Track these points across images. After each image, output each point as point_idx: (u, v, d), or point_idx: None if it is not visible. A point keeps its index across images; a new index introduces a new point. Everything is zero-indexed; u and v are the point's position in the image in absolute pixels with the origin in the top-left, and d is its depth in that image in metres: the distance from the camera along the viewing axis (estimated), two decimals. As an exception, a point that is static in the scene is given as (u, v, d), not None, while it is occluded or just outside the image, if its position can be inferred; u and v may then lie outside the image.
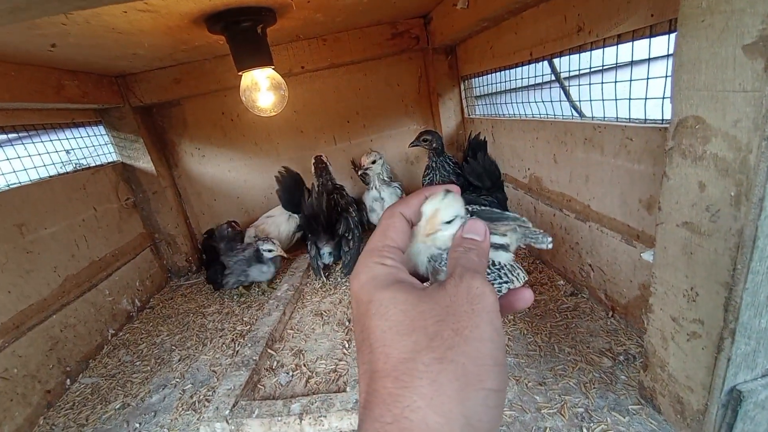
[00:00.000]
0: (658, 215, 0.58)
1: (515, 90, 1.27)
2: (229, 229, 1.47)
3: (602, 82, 0.81)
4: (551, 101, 1.04)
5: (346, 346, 1.03)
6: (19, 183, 1.14)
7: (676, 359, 0.61)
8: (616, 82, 0.77)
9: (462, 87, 1.63)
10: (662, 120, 0.69)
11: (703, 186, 0.49)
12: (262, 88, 1.04)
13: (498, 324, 0.24)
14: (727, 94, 0.44)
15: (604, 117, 0.85)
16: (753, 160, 0.43)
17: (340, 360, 0.98)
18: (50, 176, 1.25)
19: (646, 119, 0.73)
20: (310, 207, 1.35)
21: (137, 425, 0.90)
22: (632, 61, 0.71)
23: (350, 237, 1.37)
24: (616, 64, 0.76)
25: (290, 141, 1.78)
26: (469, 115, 1.64)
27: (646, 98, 0.71)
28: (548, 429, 0.70)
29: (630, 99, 0.74)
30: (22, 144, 1.25)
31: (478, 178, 1.42)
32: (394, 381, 0.22)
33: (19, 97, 1.01)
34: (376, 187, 1.59)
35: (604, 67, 0.80)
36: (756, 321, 0.50)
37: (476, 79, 1.53)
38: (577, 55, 0.87)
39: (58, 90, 1.17)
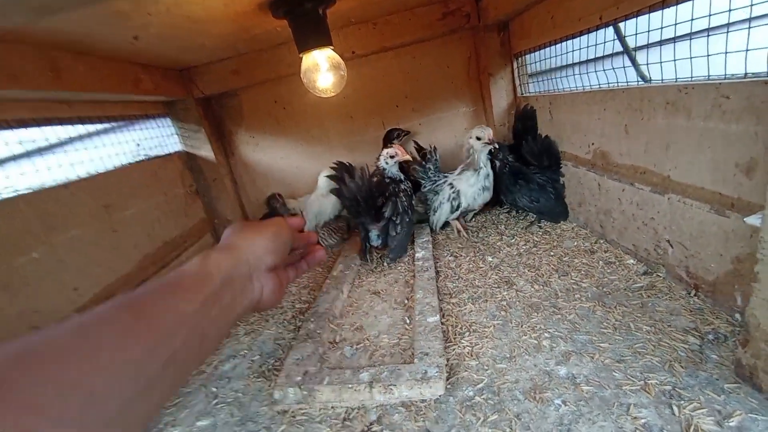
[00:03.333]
0: (770, 172, 0.52)
1: (574, 65, 1.20)
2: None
3: (690, 37, 0.74)
4: (613, 68, 0.98)
5: (407, 322, 1.04)
6: (105, 169, 1.25)
7: (789, 332, 0.55)
8: (708, 34, 0.70)
9: (515, 65, 1.58)
10: (767, 71, 0.63)
11: (836, 132, 0.44)
12: (322, 69, 1.06)
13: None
14: None
15: (691, 77, 0.78)
16: None
17: (402, 335, 0.99)
18: (129, 163, 1.36)
19: (746, 73, 0.66)
20: (348, 190, 1.34)
21: (214, 389, 0.97)
22: (729, 9, 0.65)
23: (398, 221, 1.36)
24: (709, 15, 0.69)
25: (340, 127, 1.81)
26: (522, 93, 1.58)
27: (747, 49, 0.64)
28: (632, 405, 0.66)
29: (726, 53, 0.68)
30: (99, 136, 1.37)
31: (535, 157, 1.38)
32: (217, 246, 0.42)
33: (107, 88, 1.11)
34: (483, 165, 1.38)
35: (693, 23, 0.73)
36: None
37: (531, 55, 1.47)
38: (660, 12, 0.81)
39: (137, 83, 1.27)
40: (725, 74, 0.70)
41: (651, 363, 0.74)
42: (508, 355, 0.84)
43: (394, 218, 1.36)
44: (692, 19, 0.73)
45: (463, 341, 0.91)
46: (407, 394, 0.78)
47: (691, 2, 0.72)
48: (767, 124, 0.63)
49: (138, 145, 1.60)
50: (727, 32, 0.67)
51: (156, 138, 1.56)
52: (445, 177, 1.50)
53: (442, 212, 1.48)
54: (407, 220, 1.39)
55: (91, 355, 0.25)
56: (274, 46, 1.50)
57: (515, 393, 0.74)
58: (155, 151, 1.54)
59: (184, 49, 1.25)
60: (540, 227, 1.41)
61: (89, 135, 1.21)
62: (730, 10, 0.65)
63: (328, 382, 0.83)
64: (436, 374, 0.77)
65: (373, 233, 1.39)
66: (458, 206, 1.44)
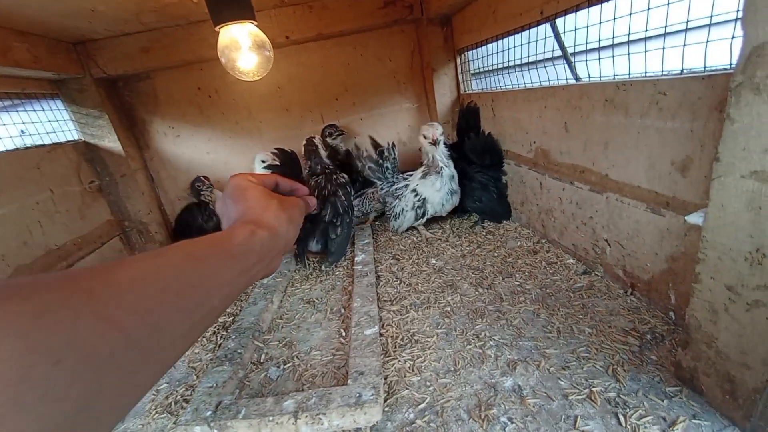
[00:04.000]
0: (715, 168, 0.50)
1: (516, 67, 1.19)
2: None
3: (628, 35, 0.73)
4: (553, 65, 0.96)
5: (343, 334, 0.93)
6: (-43, 158, 0.98)
7: (729, 333, 0.53)
8: (645, 32, 0.69)
9: (458, 61, 1.54)
10: (704, 68, 0.62)
11: (783, 124, 0.41)
12: (243, 47, 0.91)
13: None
14: (827, 3, 0.36)
15: (629, 74, 0.77)
16: None
17: (336, 350, 0.88)
18: (-3, 152, 1.08)
19: (683, 69, 0.65)
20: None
21: (103, 432, 0.78)
22: (668, 3, 0.63)
23: (338, 223, 1.25)
24: (648, 9, 0.68)
25: (274, 119, 1.65)
26: (465, 90, 1.55)
27: (684, 45, 0.63)
28: (579, 417, 0.62)
29: (663, 48, 0.66)
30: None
31: (478, 156, 1.34)
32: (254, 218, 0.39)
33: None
34: (444, 165, 1.29)
35: (631, 19, 0.72)
36: (839, 283, 0.42)
37: (473, 52, 1.44)
38: (598, 6, 0.79)
39: (4, 52, 1.01)
40: (662, 71, 0.69)
41: (595, 368, 0.70)
42: (452, 368, 0.77)
43: (334, 220, 1.25)
44: (630, 14, 0.71)
45: (404, 354, 0.83)
46: (338, 423, 0.67)
47: (629, -5, 0.70)
48: (702, 120, 0.62)
49: (22, 132, 1.31)
50: (665, 30, 0.65)
51: (42, 124, 1.28)
52: (405, 180, 1.38)
53: (405, 219, 1.36)
54: (347, 221, 1.29)
55: (160, 292, 0.25)
56: (192, 23, 1.31)
57: (459, 412, 0.67)
58: (42, 140, 1.27)
59: (70, 14, 1.02)
60: (483, 227, 1.38)
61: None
62: (668, 6, 0.64)
63: (244, 415, 0.69)
64: (371, 397, 0.67)
65: (311, 238, 1.26)
66: (424, 214, 1.34)
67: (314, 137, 1.47)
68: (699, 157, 0.64)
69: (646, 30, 0.69)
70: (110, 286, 0.22)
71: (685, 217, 0.58)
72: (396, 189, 1.37)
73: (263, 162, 1.38)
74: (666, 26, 0.66)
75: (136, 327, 0.23)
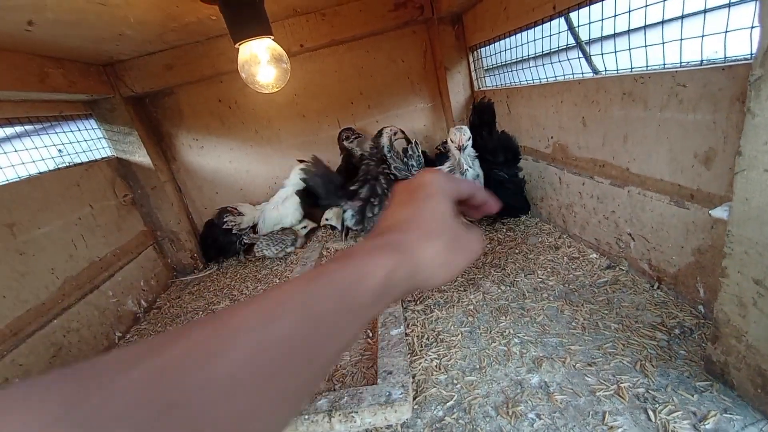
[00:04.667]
0: (738, 162, 0.49)
1: (529, 59, 1.18)
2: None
3: (644, 26, 0.72)
4: (568, 59, 0.95)
5: (370, 335, 0.96)
6: (7, 180, 1.06)
7: (759, 327, 0.53)
8: (662, 22, 0.68)
9: (471, 59, 1.54)
10: (725, 58, 0.61)
11: (807, 117, 0.41)
12: (262, 62, 0.95)
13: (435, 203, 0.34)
14: None
15: (647, 66, 0.76)
16: None
17: (365, 351, 0.91)
18: (40, 173, 1.17)
19: (702, 60, 0.64)
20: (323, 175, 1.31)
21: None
22: (685, -6, 0.63)
23: (376, 203, 1.29)
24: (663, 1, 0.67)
25: (292, 126, 1.70)
26: (479, 87, 1.55)
27: (702, 35, 0.62)
28: (607, 413, 0.62)
29: (681, 39, 0.66)
30: (9, 141, 1.17)
31: (492, 154, 1.34)
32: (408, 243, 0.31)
33: (-1, 84, 0.93)
34: (469, 166, 1.26)
35: (647, 10, 0.71)
36: None
37: (486, 48, 1.43)
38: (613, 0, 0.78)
39: (42, 78, 1.09)
40: (681, 62, 0.68)
41: (622, 364, 0.71)
42: (478, 366, 0.78)
43: (372, 200, 1.29)
44: (646, 5, 0.70)
45: (430, 353, 0.85)
46: (371, 421, 0.70)
47: (645, -13, 0.69)
48: (724, 112, 0.61)
49: (60, 151, 1.40)
50: (682, 19, 0.64)
51: (79, 143, 1.37)
52: None
53: None
54: (385, 203, 1.32)
55: (266, 378, 0.21)
56: (211, 38, 1.36)
57: (487, 409, 0.68)
58: (79, 158, 1.35)
59: (100, 39, 1.08)
60: (503, 224, 1.38)
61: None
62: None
63: (281, 414, 0.73)
64: (401, 396, 0.70)
65: (349, 213, 1.31)
66: None
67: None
68: (722, 149, 0.63)
69: (663, 20, 0.68)
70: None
71: (710, 212, 0.58)
72: None
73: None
74: (683, 15, 0.65)
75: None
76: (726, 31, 0.59)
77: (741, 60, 0.59)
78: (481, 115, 1.39)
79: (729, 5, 0.58)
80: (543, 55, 1.12)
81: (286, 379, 0.22)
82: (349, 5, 1.42)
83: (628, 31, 0.77)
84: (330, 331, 0.24)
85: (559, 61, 1.05)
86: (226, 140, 1.68)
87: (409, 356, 0.84)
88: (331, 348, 0.25)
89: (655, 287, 0.87)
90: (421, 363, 0.82)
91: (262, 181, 1.75)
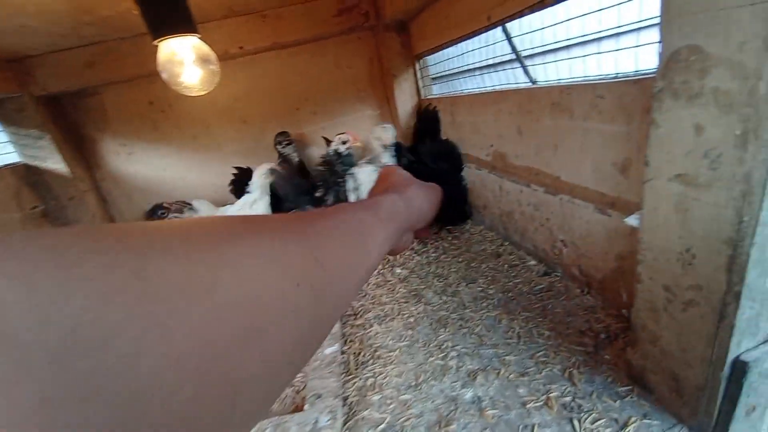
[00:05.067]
0: (645, 172, 0.50)
1: (476, 70, 1.20)
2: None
3: (568, 38, 0.74)
4: (511, 68, 0.97)
5: (305, 354, 0.90)
6: None
7: (670, 332, 0.54)
8: (583, 36, 0.70)
9: (417, 67, 1.54)
10: (635, 72, 0.63)
11: (701, 128, 0.42)
12: (185, 62, 0.88)
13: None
14: (729, 12, 0.37)
15: (572, 78, 0.78)
16: (764, 88, 0.36)
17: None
18: None
19: (617, 73, 0.66)
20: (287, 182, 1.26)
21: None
22: (600, 9, 0.65)
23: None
24: (583, 15, 0.69)
25: (233, 132, 1.61)
26: (425, 95, 1.55)
27: (617, 49, 0.64)
28: (536, 426, 0.61)
29: (599, 53, 0.68)
30: None
31: (433, 160, 1.34)
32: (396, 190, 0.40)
33: None
34: (387, 162, 1.33)
35: (569, 25, 0.73)
36: (762, 280, 0.44)
37: (432, 57, 1.44)
38: (540, 12, 0.80)
39: None
40: (599, 75, 0.71)
41: (552, 372, 0.71)
42: (414, 383, 0.75)
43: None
44: (568, 19, 0.72)
45: (365, 372, 0.81)
46: (295, 453, 0.64)
47: (565, 1, 0.71)
48: (637, 122, 0.63)
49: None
50: (600, 36, 0.66)
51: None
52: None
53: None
54: None
55: (342, 245, 0.26)
56: (138, 35, 1.25)
57: (420, 430, 0.65)
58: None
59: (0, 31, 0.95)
60: (449, 232, 1.38)
61: None
62: (600, 11, 0.65)
63: (195, 451, 0.65)
64: (327, 423, 0.65)
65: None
66: (358, 198, 1.35)
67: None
68: (636, 158, 0.65)
69: (583, 35, 0.70)
70: (316, 234, 0.24)
71: (624, 219, 0.59)
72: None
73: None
74: (600, 31, 0.67)
75: (332, 269, 0.24)
76: (637, 45, 0.61)
77: (651, 74, 0.61)
78: (425, 122, 1.39)
79: (639, 22, 0.60)
80: (487, 66, 1.14)
81: (353, 250, 0.27)
82: (291, 8, 1.38)
83: (553, 43, 0.79)
84: (368, 229, 0.30)
85: (504, 70, 1.07)
86: (160, 146, 1.56)
87: (343, 376, 0.79)
88: (369, 243, 0.30)
89: (585, 293, 0.89)
90: (355, 383, 0.78)
91: (200, 190, 1.63)
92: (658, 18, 0.51)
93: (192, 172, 1.60)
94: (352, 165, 1.35)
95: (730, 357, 0.48)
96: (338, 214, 0.29)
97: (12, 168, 1.26)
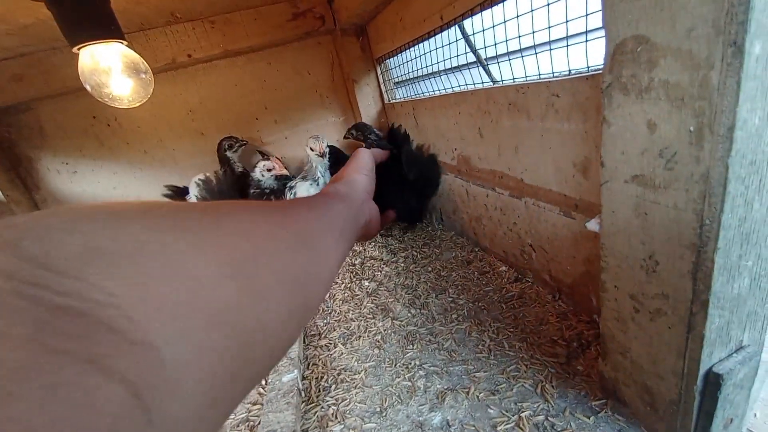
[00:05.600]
0: (601, 173, 0.47)
1: (438, 73, 1.16)
2: None
3: (519, 36, 0.71)
4: (467, 67, 0.94)
5: (262, 383, 0.83)
6: None
7: (639, 343, 0.51)
8: (533, 32, 0.67)
9: (379, 71, 1.50)
10: (588, 68, 0.60)
11: (653, 126, 0.39)
12: (112, 71, 0.79)
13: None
14: (674, -5, 0.33)
15: (526, 77, 0.75)
16: (716, 78, 0.32)
17: (254, 404, 0.78)
18: None
19: (570, 70, 0.63)
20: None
21: None
22: (548, 4, 0.62)
23: None
24: (532, 11, 0.66)
25: (189, 146, 1.51)
26: (389, 99, 1.51)
27: (567, 45, 0.61)
28: (508, 451, 0.56)
29: (551, 49, 0.64)
30: None
31: (409, 168, 1.29)
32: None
33: None
34: (321, 174, 1.32)
35: (519, 21, 0.70)
36: (729, 287, 0.40)
37: (392, 60, 1.40)
38: (490, 9, 0.77)
39: None
40: (552, 72, 0.68)
41: (524, 388, 0.66)
42: (379, 409, 0.69)
43: None
44: (518, 16, 0.69)
45: (328, 398, 0.74)
46: (244, 504, 0.57)
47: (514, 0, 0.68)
48: (592, 121, 0.60)
49: None
50: (548, 30, 0.63)
51: None
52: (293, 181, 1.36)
53: None
54: None
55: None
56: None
57: (383, 464, 0.59)
58: None
59: None
60: (419, 239, 1.33)
61: None
62: (548, 6, 0.62)
63: None
64: (280, 466, 0.58)
65: None
66: None
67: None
68: (595, 158, 0.62)
69: (533, 32, 0.67)
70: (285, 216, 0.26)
71: (585, 224, 0.56)
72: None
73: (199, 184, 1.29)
74: (549, 27, 0.64)
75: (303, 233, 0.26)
76: (586, 41, 0.58)
77: (601, 69, 0.58)
78: (395, 140, 1.36)
79: (587, 15, 0.57)
80: (448, 68, 1.10)
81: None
82: (242, 13, 1.31)
83: (506, 42, 0.76)
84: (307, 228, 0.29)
85: (468, 69, 1.03)
86: (108, 163, 1.45)
87: (303, 405, 0.72)
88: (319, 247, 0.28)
89: (556, 298, 0.85)
90: (316, 412, 0.71)
91: (155, 208, 1.53)
92: (600, 6, 0.48)
93: (146, 188, 1.49)
94: (274, 189, 1.33)
95: (703, 369, 0.44)
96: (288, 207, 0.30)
97: (-68, 195, 1.14)
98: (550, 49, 0.65)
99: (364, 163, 0.49)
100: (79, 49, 0.77)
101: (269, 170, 1.29)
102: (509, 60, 0.77)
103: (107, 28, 0.76)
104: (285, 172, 1.34)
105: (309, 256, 0.25)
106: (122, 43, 0.80)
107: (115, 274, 0.13)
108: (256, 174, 1.31)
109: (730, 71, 0.31)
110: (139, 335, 0.13)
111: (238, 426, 0.73)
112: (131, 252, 0.14)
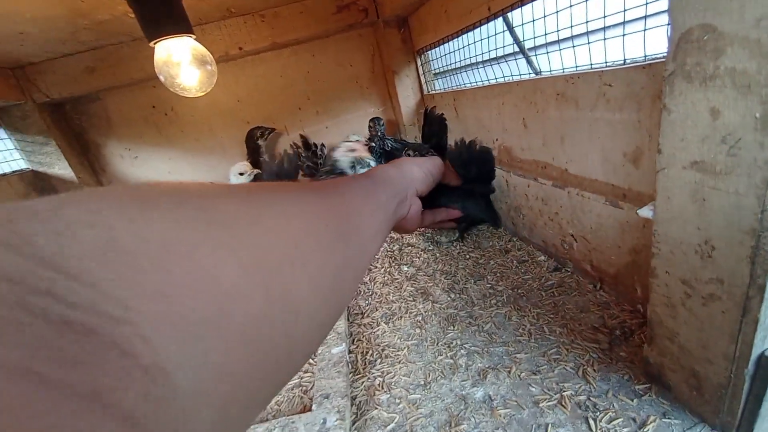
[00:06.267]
0: (658, 160, 0.48)
1: (478, 64, 1.17)
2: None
3: (571, 26, 0.71)
4: (514, 59, 0.95)
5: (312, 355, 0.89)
6: None
7: (689, 328, 0.52)
8: (587, 22, 0.68)
9: (419, 62, 1.52)
10: (644, 57, 0.61)
11: (717, 112, 0.40)
12: (182, 63, 0.87)
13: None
14: (745, -15, 0.34)
15: (576, 66, 0.76)
16: (787, 66, 0.33)
17: (305, 372, 0.84)
18: (-73, 191, 1.01)
19: (625, 60, 0.64)
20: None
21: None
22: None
23: None
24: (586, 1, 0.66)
25: (237, 134, 1.60)
26: (428, 91, 1.53)
27: (624, 34, 0.62)
28: (550, 425, 0.59)
29: (605, 39, 0.65)
30: None
31: (462, 166, 1.27)
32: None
33: None
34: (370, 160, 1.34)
35: (572, 11, 0.70)
36: (788, 272, 0.41)
37: (433, 51, 1.42)
38: (542, 1, 0.77)
39: (-75, 83, 0.94)
40: (606, 62, 0.68)
41: (565, 370, 0.68)
42: (423, 382, 0.74)
43: None
44: (571, 6, 0.70)
45: (374, 371, 0.79)
46: (303, 455, 0.63)
47: (569, -13, 0.68)
48: (647, 110, 0.61)
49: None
50: (604, 21, 0.64)
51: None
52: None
53: None
54: None
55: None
56: (137, 39, 1.26)
57: (430, 430, 0.64)
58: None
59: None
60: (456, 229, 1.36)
61: None
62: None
63: (203, 455, 0.65)
64: (335, 423, 0.64)
65: None
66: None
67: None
68: (648, 147, 0.63)
69: (587, 21, 0.68)
70: (329, 195, 0.27)
71: (637, 211, 0.57)
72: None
73: (240, 174, 1.36)
74: (605, 16, 0.64)
75: (351, 217, 0.27)
76: (644, 30, 0.59)
77: (660, 58, 0.59)
78: (431, 124, 1.36)
79: (646, 3, 0.58)
80: (490, 59, 1.11)
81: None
82: (290, 7, 1.36)
83: (557, 32, 0.77)
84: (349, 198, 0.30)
85: (507, 62, 1.04)
86: (164, 149, 1.56)
87: (350, 375, 0.78)
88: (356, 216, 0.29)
89: (597, 288, 0.86)
90: (363, 382, 0.77)
91: (205, 193, 1.63)
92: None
93: (197, 174, 1.60)
94: (344, 172, 1.35)
95: (755, 353, 0.45)
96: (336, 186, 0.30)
97: (20, 174, 1.28)
98: (605, 39, 0.66)
99: (429, 163, 0.47)
100: (155, 43, 0.85)
101: (352, 151, 1.27)
102: (560, 50, 0.78)
103: (180, 24, 0.83)
104: (367, 155, 1.30)
105: (345, 255, 0.24)
106: (191, 36, 0.87)
107: (133, 280, 0.12)
108: (337, 153, 1.29)
109: (802, 59, 0.32)
110: (152, 358, 0.11)
111: (292, 389, 0.80)
112: (155, 254, 0.13)
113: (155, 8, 0.79)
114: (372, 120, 1.42)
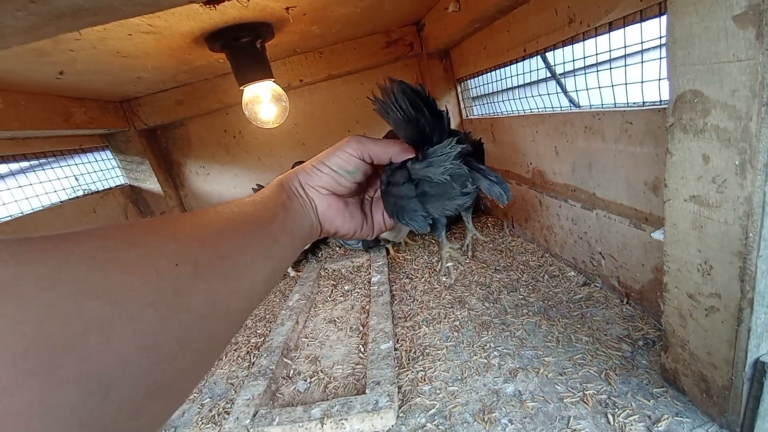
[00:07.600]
0: (665, 192, 0.58)
1: (512, 89, 1.29)
2: None
3: (597, 70, 0.82)
4: (548, 94, 1.06)
5: (362, 350, 1.03)
6: (32, 209, 1.16)
7: (696, 336, 0.60)
8: (611, 68, 0.78)
9: (459, 89, 1.66)
10: (660, 101, 0.70)
11: (707, 158, 0.50)
12: (263, 101, 1.06)
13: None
14: (722, 65, 0.45)
15: (602, 104, 0.86)
16: (754, 128, 0.43)
17: (357, 364, 0.98)
18: (61, 201, 1.27)
19: (644, 102, 0.74)
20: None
21: (158, 442, 0.90)
22: (625, 46, 0.73)
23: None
24: (610, 50, 0.77)
25: (292, 154, 1.81)
26: (467, 116, 1.66)
27: (642, 81, 0.72)
28: (572, 418, 0.69)
29: (626, 84, 0.75)
30: (34, 172, 1.28)
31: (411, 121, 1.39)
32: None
33: (28, 125, 1.04)
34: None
35: (598, 56, 0.81)
36: (773, 289, 0.50)
37: (472, 80, 1.55)
38: (570, 46, 0.89)
39: (67, 117, 1.21)
40: (627, 102, 0.78)
41: (589, 373, 0.77)
42: (460, 377, 0.85)
43: None
44: (596, 54, 0.80)
45: (416, 366, 0.91)
46: (359, 427, 0.76)
47: (594, 39, 0.79)
48: (664, 146, 0.70)
49: (77, 179, 1.51)
50: (625, 65, 0.74)
51: (95, 173, 1.48)
52: None
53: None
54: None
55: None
56: (218, 76, 1.49)
57: (465, 416, 0.75)
58: (95, 186, 1.46)
59: (120, 82, 1.21)
60: (491, 245, 1.46)
61: (11, 173, 1.13)
62: (625, 47, 0.73)
63: (278, 422, 0.80)
64: (386, 404, 0.77)
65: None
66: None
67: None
68: (665, 178, 0.71)
69: (611, 68, 0.78)
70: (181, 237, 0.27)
71: (651, 234, 0.66)
72: None
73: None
74: (626, 64, 0.75)
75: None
76: (659, 79, 0.69)
77: (674, 102, 0.68)
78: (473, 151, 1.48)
79: (660, 58, 0.68)
80: (522, 85, 1.22)
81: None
82: (345, 44, 1.56)
83: (584, 73, 0.87)
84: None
85: (533, 96, 1.15)
86: (231, 167, 1.79)
87: (396, 368, 0.90)
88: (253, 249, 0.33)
89: (624, 302, 0.94)
90: (407, 375, 0.89)
91: (264, 205, 1.84)
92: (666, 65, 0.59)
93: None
94: None
95: (751, 358, 0.53)
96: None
97: (121, 188, 1.54)
98: (626, 83, 0.76)
99: (321, 153, 0.45)
100: (244, 86, 1.05)
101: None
102: (587, 89, 0.88)
103: (264, 71, 1.03)
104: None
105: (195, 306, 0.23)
106: (271, 80, 1.07)
107: None
108: None
109: (764, 123, 0.42)
110: None
111: (346, 378, 0.94)
112: None
113: (247, 59, 0.99)
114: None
